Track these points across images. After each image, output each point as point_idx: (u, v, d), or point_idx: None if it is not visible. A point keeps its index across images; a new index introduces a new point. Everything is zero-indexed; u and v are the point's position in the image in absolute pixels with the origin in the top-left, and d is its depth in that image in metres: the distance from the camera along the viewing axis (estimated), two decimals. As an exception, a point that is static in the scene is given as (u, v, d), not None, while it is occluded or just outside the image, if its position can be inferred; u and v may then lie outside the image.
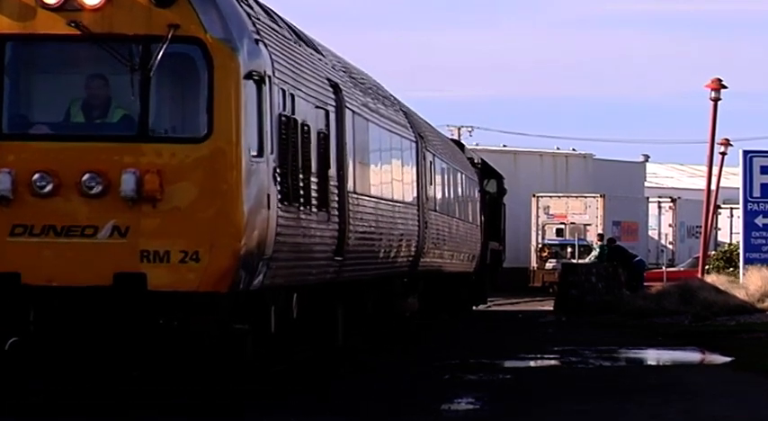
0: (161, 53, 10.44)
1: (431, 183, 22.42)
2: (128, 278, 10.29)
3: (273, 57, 12.20)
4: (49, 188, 10.11)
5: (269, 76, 11.77)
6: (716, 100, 31.80)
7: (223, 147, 10.64)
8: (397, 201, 19.48)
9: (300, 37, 15.13)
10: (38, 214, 10.17)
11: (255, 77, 11.28)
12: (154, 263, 10.36)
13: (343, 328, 16.41)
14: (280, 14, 14.47)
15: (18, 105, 10.99)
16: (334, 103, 15.46)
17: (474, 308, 28.94)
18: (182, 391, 10.65)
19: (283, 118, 12.46)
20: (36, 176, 10.07)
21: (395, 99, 22.08)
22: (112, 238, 10.31)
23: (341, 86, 16.00)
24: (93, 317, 10.25)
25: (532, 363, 18.69)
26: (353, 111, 16.71)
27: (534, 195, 36.68)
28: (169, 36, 10.43)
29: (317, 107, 14.46)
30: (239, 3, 11.72)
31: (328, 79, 15.70)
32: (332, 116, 15.24)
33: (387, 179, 18.93)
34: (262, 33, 12.15)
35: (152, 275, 10.26)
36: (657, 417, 11.26)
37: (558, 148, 42.62)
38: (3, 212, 10.04)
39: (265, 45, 11.96)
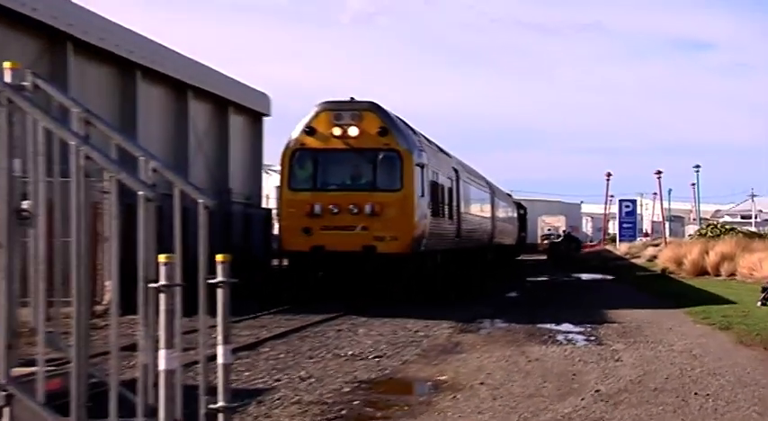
0: (381, 156, 20.37)
1: (496, 209, 38.83)
2: (368, 247, 19.36)
3: (428, 157, 22.52)
4: (336, 210, 19.51)
5: (425, 165, 21.81)
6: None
7: (407, 193, 20.40)
8: (481, 216, 33.65)
9: (440, 148, 26.93)
10: (332, 221, 19.46)
11: (419, 166, 21.14)
12: (379, 241, 19.45)
13: (462, 274, 29.30)
14: (429, 137, 25.60)
15: (325, 177, 20.77)
16: (455, 176, 26.96)
17: (516, 258, 50.50)
18: (409, 296, 19.55)
19: (432, 182, 22.94)
20: (331, 205, 19.60)
21: (479, 173, 37.48)
22: (361, 231, 19.76)
23: (458, 170, 28.01)
24: (353, 265, 19.42)
25: (539, 279, 35.87)
26: (463, 180, 28.72)
27: (540, 216, 69.96)
28: (384, 148, 20.41)
29: (448, 178, 25.75)
30: (413, 133, 22.45)
31: (453, 167, 27.18)
32: (454, 182, 26.76)
33: (477, 206, 32.24)
34: (423, 146, 22.69)
35: (378, 246, 19.40)
36: (596, 294, 26.88)
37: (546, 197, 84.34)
38: (318, 220, 19.40)
39: (424, 152, 22.45)
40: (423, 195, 21.19)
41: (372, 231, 19.44)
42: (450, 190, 25.78)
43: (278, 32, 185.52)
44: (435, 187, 23.22)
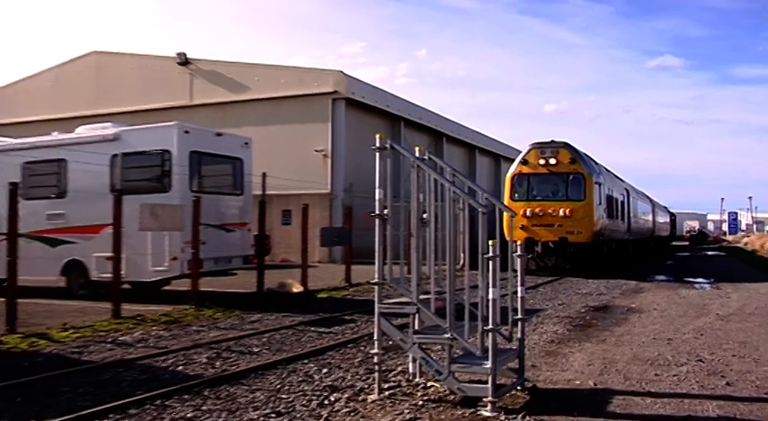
0: (571, 177, 26.54)
1: (656, 215, 47.60)
2: (563, 238, 25.50)
3: (604, 179, 27.76)
4: (541, 213, 25.52)
5: (602, 184, 28.03)
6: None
7: (589, 202, 26.42)
8: (645, 219, 40.72)
9: (616, 175, 33.21)
10: (539, 221, 25.95)
11: (598, 184, 27.15)
12: (570, 234, 25.86)
13: (633, 255, 35.05)
14: (608, 168, 31.92)
15: (534, 191, 26.73)
16: (626, 194, 32.48)
17: (670, 244, 59.68)
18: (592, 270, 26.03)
19: (608, 195, 28.06)
20: (538, 210, 25.61)
21: (645, 193, 45.64)
22: (558, 227, 25.81)
23: (628, 190, 33.85)
24: (553, 250, 25.65)
25: (683, 254, 48.02)
26: (632, 196, 34.39)
27: (684, 221, 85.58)
28: (573, 172, 26.61)
29: (621, 194, 31.12)
30: (594, 163, 27.33)
31: (625, 188, 33.19)
32: (625, 197, 32.28)
33: (641, 212, 38.05)
34: (601, 171, 27.94)
35: (569, 237, 25.43)
36: (715, 262, 36.78)
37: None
38: (530, 220, 25.49)
39: (602, 175, 27.56)
40: (600, 204, 27.32)
41: (566, 227, 25.78)
42: (622, 202, 33.05)
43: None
44: (610, 199, 29.70)
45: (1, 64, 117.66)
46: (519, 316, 7.70)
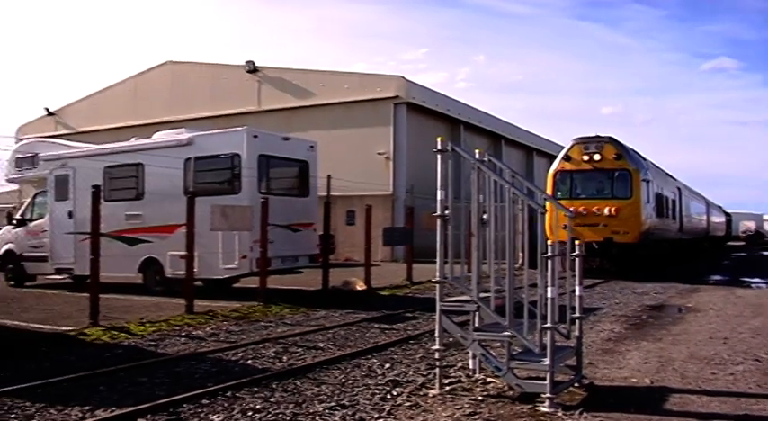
0: (617, 174, 24.44)
1: (710, 215, 46.04)
2: (608, 238, 23.76)
3: (652, 175, 26.75)
4: (585, 212, 23.55)
5: (650, 181, 25.77)
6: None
7: (636, 201, 24.27)
8: (698, 219, 39.44)
9: (668, 173, 31.08)
10: (583, 220, 22.96)
11: (645, 181, 24.91)
12: (616, 234, 23.73)
13: (685, 255, 33.33)
14: (658, 165, 29.57)
15: (578, 189, 24.83)
16: (678, 193, 30.66)
17: (726, 244, 56.19)
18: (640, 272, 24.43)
19: (657, 193, 27.20)
20: (582, 209, 23.51)
21: (699, 193, 43.55)
22: (603, 227, 23.72)
23: (680, 188, 31.97)
24: (598, 251, 23.76)
25: (739, 254, 47.12)
26: (684, 195, 32.63)
27: (740, 221, 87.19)
28: (619, 168, 24.52)
29: (672, 193, 29.32)
30: (642, 159, 25.56)
31: (677, 187, 31.18)
32: (677, 196, 30.41)
33: (695, 212, 36.66)
34: (649, 168, 26.99)
35: (615, 238, 23.78)
36: None
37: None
38: (573, 219, 24.58)
39: (650, 171, 26.62)
40: (648, 201, 25.07)
41: (611, 227, 23.75)
42: (674, 201, 31.18)
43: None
44: (660, 197, 27.57)
45: (85, 75, 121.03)
46: (577, 314, 7.62)
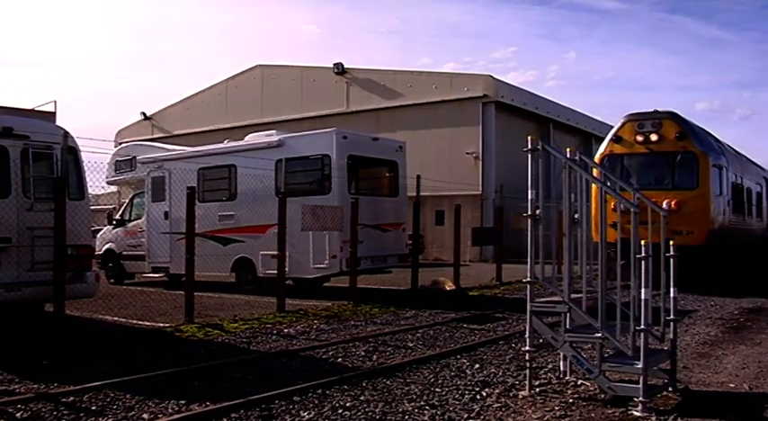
0: (679, 157, 19.19)
1: None
2: (667, 240, 19.56)
3: (727, 161, 20.91)
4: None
5: (724, 168, 20.24)
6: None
7: (703, 192, 19.08)
8: None
9: (749, 159, 26.24)
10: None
11: (717, 167, 19.54)
12: (677, 234, 15.89)
13: None
14: (737, 149, 25.08)
15: (629, 177, 18.79)
16: (765, 184, 26.51)
17: None
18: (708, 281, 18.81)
19: (734, 183, 21.44)
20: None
21: None
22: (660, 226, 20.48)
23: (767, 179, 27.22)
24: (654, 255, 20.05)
25: None
26: None
27: None
28: (682, 151, 19.24)
29: (757, 183, 25.46)
30: (713, 139, 21.15)
31: (764, 177, 26.71)
32: (764, 188, 26.35)
33: None
34: (723, 151, 21.26)
35: (676, 239, 20.00)
36: None
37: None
38: (623, 216, 21.02)
39: (723, 155, 20.80)
40: (720, 193, 20.13)
41: (671, 225, 20.17)
42: (759, 193, 25.87)
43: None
44: (738, 189, 22.43)
45: (179, 81, 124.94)
46: (671, 316, 7.44)
